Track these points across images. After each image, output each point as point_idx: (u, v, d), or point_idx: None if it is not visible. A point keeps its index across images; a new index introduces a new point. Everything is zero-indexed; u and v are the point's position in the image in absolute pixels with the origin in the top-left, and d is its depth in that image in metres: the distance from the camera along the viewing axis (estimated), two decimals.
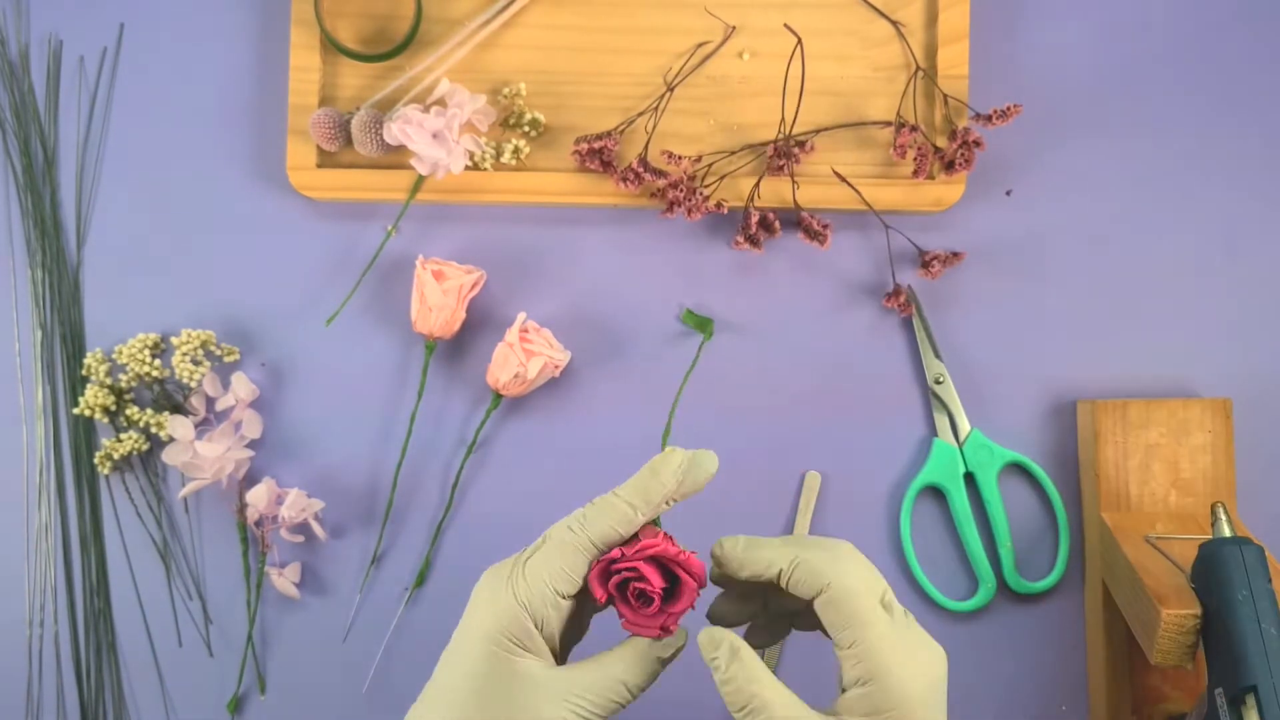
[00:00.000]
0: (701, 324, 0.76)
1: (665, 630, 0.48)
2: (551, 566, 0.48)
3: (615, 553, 0.48)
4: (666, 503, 0.50)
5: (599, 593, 0.48)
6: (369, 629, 0.77)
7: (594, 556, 0.49)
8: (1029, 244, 0.78)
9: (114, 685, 0.77)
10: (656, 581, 0.47)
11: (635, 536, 0.49)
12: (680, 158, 0.74)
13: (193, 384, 0.75)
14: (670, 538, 0.49)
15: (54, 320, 0.78)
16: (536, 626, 0.48)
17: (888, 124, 0.76)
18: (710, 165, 0.76)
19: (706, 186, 0.75)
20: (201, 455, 0.73)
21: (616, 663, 0.49)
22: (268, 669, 0.77)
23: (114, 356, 0.76)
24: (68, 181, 0.79)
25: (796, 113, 0.76)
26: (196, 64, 0.79)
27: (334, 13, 0.77)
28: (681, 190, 0.73)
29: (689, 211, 0.73)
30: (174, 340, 0.76)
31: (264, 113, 0.79)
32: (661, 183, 0.74)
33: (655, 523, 0.52)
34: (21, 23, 0.80)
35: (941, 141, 0.77)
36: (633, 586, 0.48)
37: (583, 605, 0.51)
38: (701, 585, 0.49)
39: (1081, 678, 0.77)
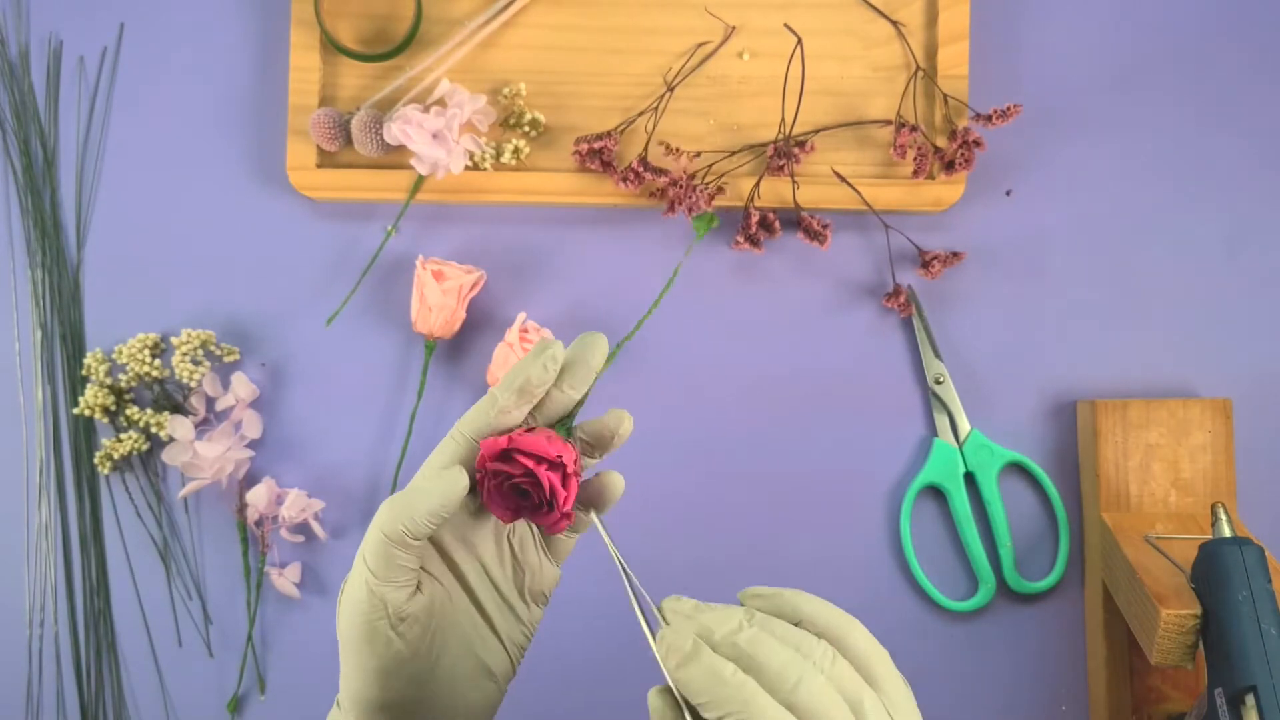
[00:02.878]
0: (708, 219, 0.75)
1: (565, 516, 0.47)
2: (429, 467, 0.47)
3: (479, 476, 0.47)
4: (531, 389, 0.47)
5: (500, 514, 0.47)
6: None
7: (471, 449, 0.47)
8: (1029, 244, 0.78)
9: (114, 685, 0.77)
10: (515, 473, 0.46)
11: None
12: (680, 151, 0.74)
13: (193, 384, 0.75)
14: (551, 436, 0.47)
15: (54, 320, 0.78)
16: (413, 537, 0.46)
17: (887, 123, 0.76)
18: (710, 165, 0.76)
19: (707, 183, 0.74)
20: (201, 455, 0.73)
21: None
22: (268, 669, 0.77)
23: (114, 356, 0.76)
24: (68, 181, 0.79)
25: (797, 113, 0.76)
26: (196, 64, 0.79)
27: (334, 13, 0.77)
28: (681, 187, 0.73)
29: (689, 210, 0.73)
30: (174, 340, 0.76)
31: (264, 113, 0.79)
32: (662, 181, 0.74)
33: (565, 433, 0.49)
34: (21, 23, 0.80)
35: (941, 141, 0.77)
36: (505, 489, 0.47)
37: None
38: (554, 463, 0.46)
39: (1081, 678, 0.77)
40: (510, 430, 0.47)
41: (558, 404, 0.48)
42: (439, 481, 0.46)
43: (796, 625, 0.42)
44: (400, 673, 0.48)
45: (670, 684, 0.41)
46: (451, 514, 0.46)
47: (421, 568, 0.48)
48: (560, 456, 0.46)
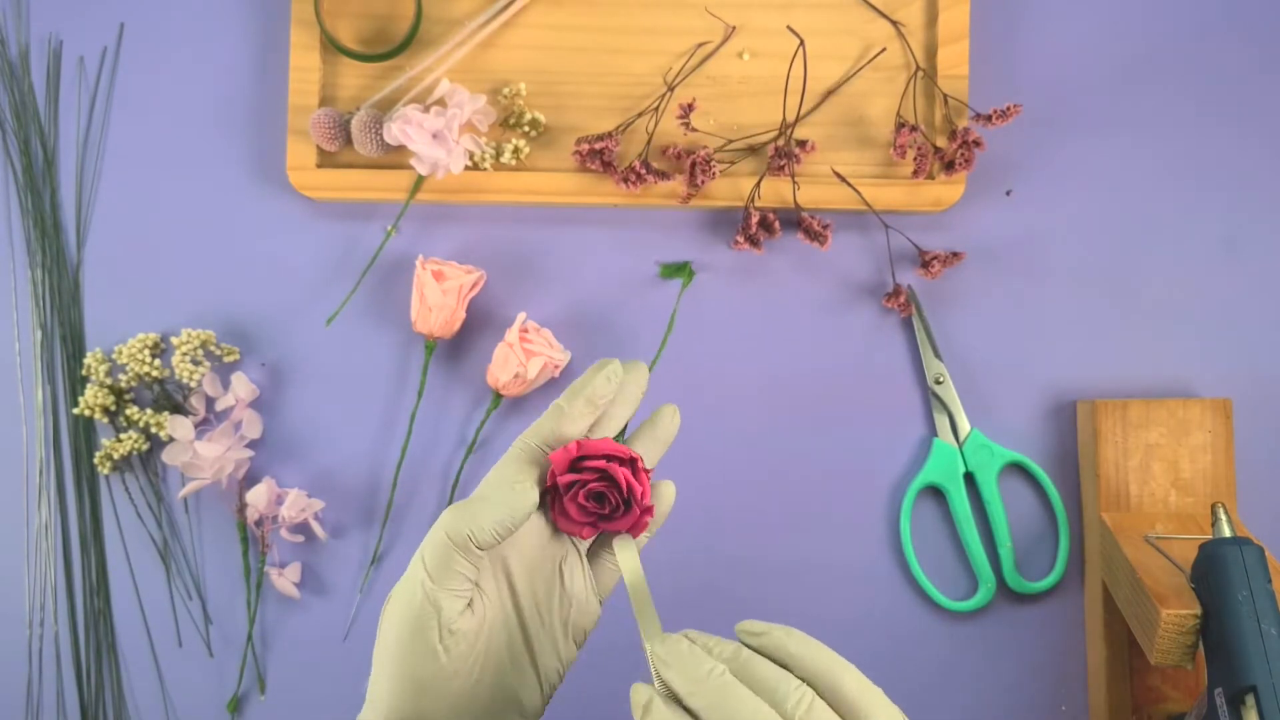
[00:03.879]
0: (678, 269, 0.75)
1: (647, 510, 0.47)
2: (503, 476, 0.47)
3: (549, 483, 0.47)
4: (596, 400, 0.49)
5: (577, 531, 0.47)
6: (369, 629, 0.77)
7: (537, 456, 0.48)
8: (1029, 244, 0.78)
9: (114, 685, 0.77)
10: (588, 478, 0.46)
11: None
12: (690, 123, 0.74)
13: (193, 384, 0.75)
14: (585, 441, 0.48)
15: (54, 320, 0.78)
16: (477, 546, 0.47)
17: (899, 125, 0.76)
18: (719, 149, 0.76)
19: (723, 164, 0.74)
20: (201, 455, 0.73)
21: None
22: (268, 669, 0.77)
23: (114, 356, 0.76)
24: (68, 181, 0.79)
25: (798, 113, 0.76)
26: (196, 64, 0.79)
27: (334, 13, 0.77)
28: (699, 160, 0.73)
29: (700, 183, 0.73)
30: (174, 340, 0.76)
31: (264, 113, 0.79)
32: (683, 160, 0.74)
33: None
34: (21, 23, 0.80)
35: (941, 141, 0.77)
36: (581, 498, 0.47)
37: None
38: (625, 459, 0.47)
39: (1081, 678, 0.77)
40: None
41: (612, 422, 0.50)
42: (509, 494, 0.46)
43: (784, 665, 0.42)
44: (437, 690, 0.47)
45: None
46: (517, 528, 0.46)
47: (477, 584, 0.48)
48: (631, 454, 0.47)
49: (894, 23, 0.77)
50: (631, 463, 0.47)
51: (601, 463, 0.46)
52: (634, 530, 0.48)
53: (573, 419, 0.48)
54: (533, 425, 0.48)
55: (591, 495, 0.47)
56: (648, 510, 0.47)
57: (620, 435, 0.51)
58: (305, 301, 0.78)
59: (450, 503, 0.77)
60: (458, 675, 0.47)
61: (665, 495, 0.51)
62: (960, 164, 0.74)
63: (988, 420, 0.77)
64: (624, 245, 0.78)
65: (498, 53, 0.78)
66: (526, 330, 0.74)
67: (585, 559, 0.52)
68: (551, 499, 0.47)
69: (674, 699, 0.41)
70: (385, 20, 0.78)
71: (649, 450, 0.52)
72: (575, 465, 0.47)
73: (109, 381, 0.76)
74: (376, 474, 0.77)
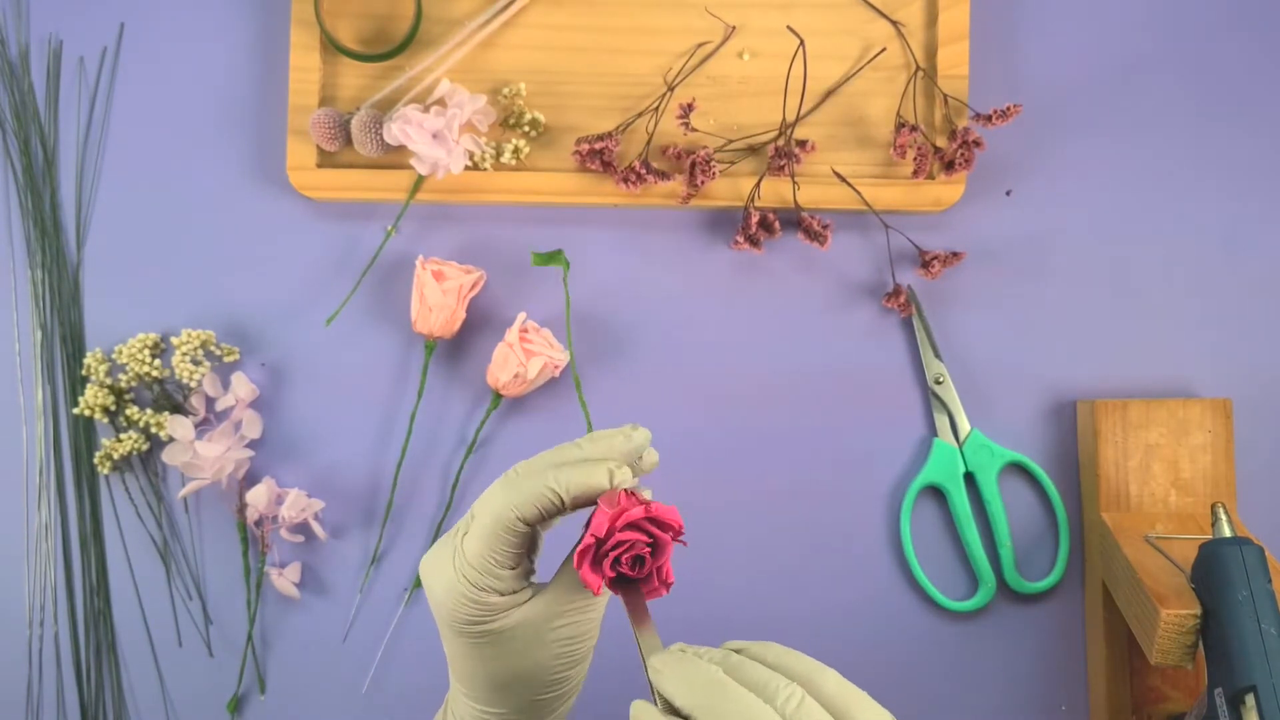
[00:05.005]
0: (551, 258, 0.73)
1: (666, 585, 0.47)
2: (520, 504, 0.48)
3: (589, 539, 0.46)
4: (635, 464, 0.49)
5: (595, 584, 0.47)
6: (369, 629, 0.77)
7: (559, 504, 0.48)
8: (1029, 244, 0.78)
9: (114, 685, 0.77)
10: (642, 541, 0.46)
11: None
12: (690, 123, 0.74)
13: (193, 384, 0.75)
14: (633, 495, 0.47)
15: (54, 320, 0.78)
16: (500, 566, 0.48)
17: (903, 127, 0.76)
18: (719, 148, 0.76)
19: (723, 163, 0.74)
20: (201, 455, 0.73)
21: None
22: (268, 669, 0.77)
23: (114, 356, 0.76)
24: (68, 181, 0.79)
25: (798, 113, 0.76)
26: (196, 64, 0.79)
27: (334, 13, 0.77)
28: (699, 160, 0.73)
29: (700, 183, 0.73)
30: (174, 340, 0.76)
31: (264, 113, 0.79)
32: (680, 164, 0.74)
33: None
34: (21, 23, 0.80)
35: (941, 141, 0.77)
36: (626, 558, 0.47)
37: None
38: (679, 534, 0.47)
39: (1081, 678, 0.77)
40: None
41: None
42: (558, 470, 0.47)
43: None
44: (499, 652, 0.49)
45: None
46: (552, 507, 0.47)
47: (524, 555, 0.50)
48: (682, 527, 0.47)
49: (894, 23, 0.77)
50: (681, 536, 0.48)
51: (657, 530, 0.46)
52: (648, 595, 0.48)
53: (602, 483, 0.48)
54: (577, 480, 0.48)
55: (634, 560, 0.47)
56: (668, 586, 0.48)
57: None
58: (305, 301, 0.78)
59: (450, 503, 0.77)
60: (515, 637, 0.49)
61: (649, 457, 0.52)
62: (960, 164, 0.74)
63: (988, 420, 0.77)
64: (624, 245, 0.78)
65: (498, 53, 0.78)
66: (526, 330, 0.74)
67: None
68: (587, 549, 0.47)
69: (674, 713, 0.42)
70: (385, 20, 0.78)
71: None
72: (634, 524, 0.46)
73: (109, 381, 0.76)
74: (376, 474, 0.77)
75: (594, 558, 0.47)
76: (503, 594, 0.48)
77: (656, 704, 0.43)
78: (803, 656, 0.43)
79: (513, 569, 0.48)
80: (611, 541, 0.46)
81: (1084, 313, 0.78)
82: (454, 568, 0.48)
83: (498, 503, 0.48)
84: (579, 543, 0.47)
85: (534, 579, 0.51)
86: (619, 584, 0.47)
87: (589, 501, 0.48)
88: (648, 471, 0.51)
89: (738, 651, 0.44)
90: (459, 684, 0.51)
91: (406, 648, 0.77)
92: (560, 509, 0.48)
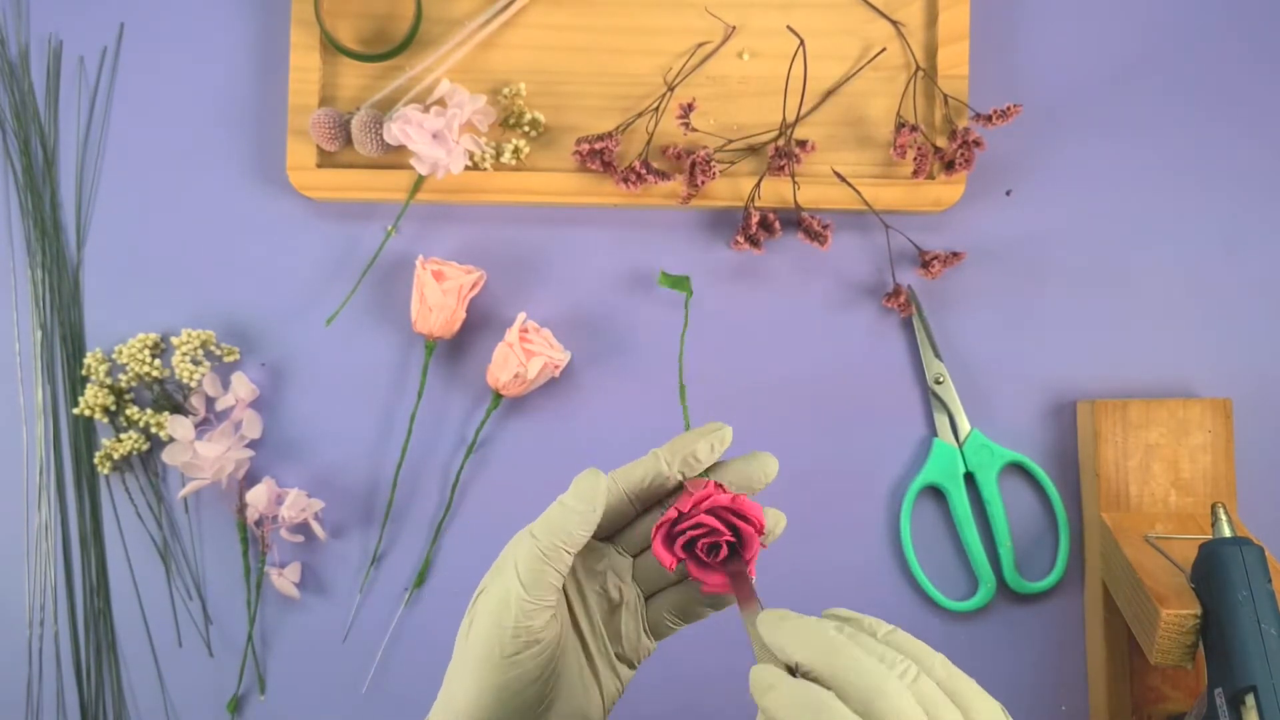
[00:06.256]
0: (678, 282, 0.74)
1: (743, 578, 0.47)
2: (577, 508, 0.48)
3: (671, 513, 0.46)
4: (693, 460, 0.49)
5: (668, 560, 0.46)
6: (369, 629, 0.77)
7: (615, 498, 0.48)
8: (1029, 244, 0.78)
9: (114, 685, 0.77)
10: (724, 530, 0.46)
11: (679, 491, 0.49)
12: (690, 123, 0.74)
13: (193, 384, 0.75)
14: (721, 486, 0.47)
15: (54, 320, 0.78)
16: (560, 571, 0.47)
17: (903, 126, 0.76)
18: (719, 148, 0.76)
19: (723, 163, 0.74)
20: (201, 455, 0.73)
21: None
22: (268, 669, 0.77)
23: (114, 356, 0.76)
24: (68, 181, 0.79)
25: (798, 113, 0.76)
26: (196, 64, 0.79)
27: (334, 13, 0.77)
28: (699, 160, 0.73)
29: (700, 183, 0.73)
30: (174, 340, 0.76)
31: (264, 113, 0.79)
32: (679, 164, 0.74)
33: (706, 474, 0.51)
34: (21, 23, 0.80)
35: (941, 141, 0.77)
36: (701, 543, 0.46)
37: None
38: (760, 530, 0.47)
39: (1081, 678, 0.77)
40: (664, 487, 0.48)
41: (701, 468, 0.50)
42: (586, 493, 0.47)
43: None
44: (516, 697, 0.47)
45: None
46: (595, 525, 0.47)
47: (561, 590, 0.49)
48: (763, 523, 0.47)
49: (894, 23, 0.77)
50: (761, 535, 0.47)
51: (742, 525, 0.46)
52: (705, 589, 0.48)
53: (669, 477, 0.49)
54: (625, 469, 0.49)
55: (710, 547, 0.47)
56: (724, 586, 0.47)
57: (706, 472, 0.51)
58: (305, 301, 0.78)
59: (450, 503, 0.77)
60: (535, 682, 0.47)
61: (766, 465, 0.51)
62: (960, 164, 0.74)
63: (988, 420, 0.77)
64: (624, 245, 0.78)
65: (498, 53, 0.78)
66: (526, 330, 0.74)
67: (642, 598, 0.52)
68: (664, 523, 0.47)
69: (790, 672, 0.41)
70: (385, 20, 0.78)
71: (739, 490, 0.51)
72: (717, 510, 0.46)
73: (109, 381, 0.76)
74: (376, 474, 0.77)
75: (668, 534, 0.47)
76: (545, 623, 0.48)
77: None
78: (910, 637, 0.42)
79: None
80: (690, 521, 0.46)
81: (1084, 313, 0.78)
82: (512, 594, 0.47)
83: (554, 519, 0.48)
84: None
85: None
86: (695, 566, 0.47)
87: (652, 497, 0.48)
88: (760, 486, 0.50)
89: (846, 619, 0.43)
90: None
91: (406, 648, 0.77)
92: (627, 507, 0.48)
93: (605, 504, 0.47)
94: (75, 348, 0.78)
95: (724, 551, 0.47)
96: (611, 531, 0.51)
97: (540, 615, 0.47)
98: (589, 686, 0.50)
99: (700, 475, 0.50)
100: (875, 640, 0.41)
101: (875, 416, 0.77)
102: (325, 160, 0.77)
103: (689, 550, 0.47)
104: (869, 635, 0.41)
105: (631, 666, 0.52)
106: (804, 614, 0.43)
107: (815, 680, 0.40)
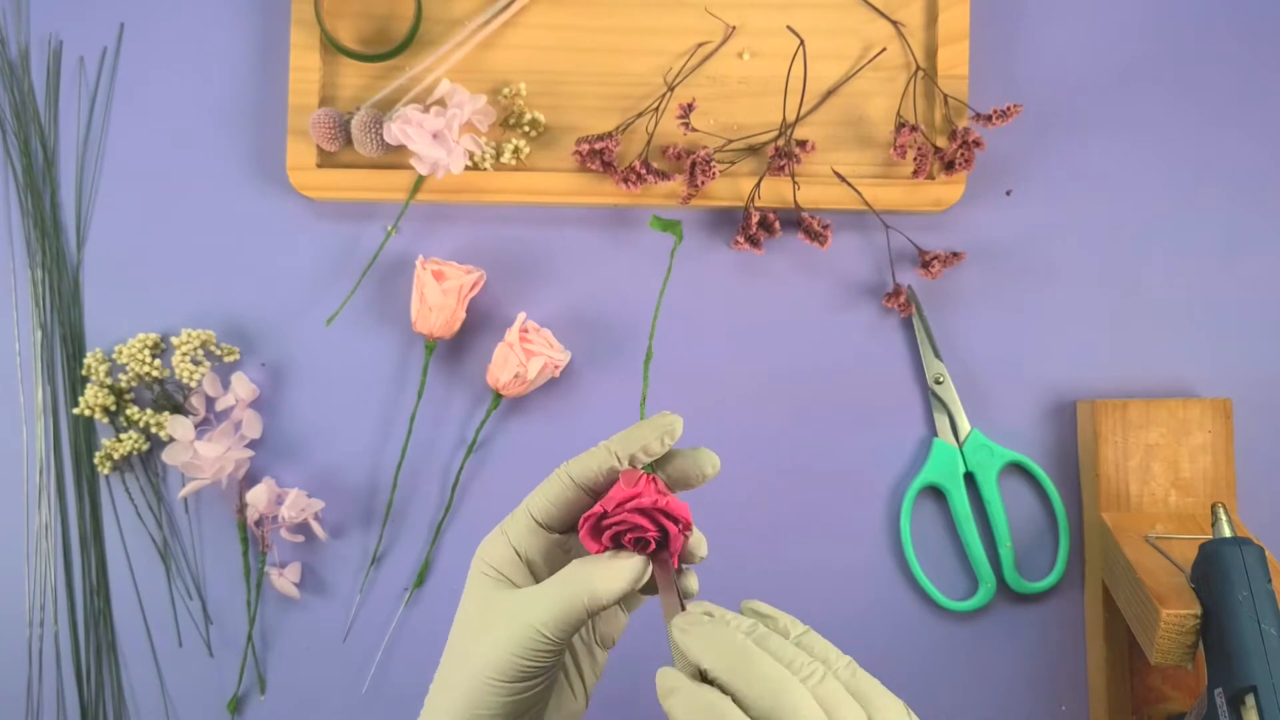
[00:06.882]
0: (669, 225, 0.74)
1: (666, 573, 0.48)
2: (532, 498, 0.50)
3: (598, 508, 0.48)
4: (644, 454, 0.49)
5: (593, 546, 0.48)
6: (369, 629, 0.77)
7: (572, 490, 0.49)
8: (1029, 244, 0.78)
9: (114, 685, 0.77)
10: (650, 528, 0.47)
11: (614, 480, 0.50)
12: (690, 123, 0.74)
13: (193, 384, 0.75)
14: (654, 479, 0.49)
15: (54, 320, 0.78)
16: (519, 555, 0.49)
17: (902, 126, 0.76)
18: (719, 148, 0.76)
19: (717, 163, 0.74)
20: (201, 455, 0.73)
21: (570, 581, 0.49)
22: (268, 669, 0.77)
23: (114, 356, 0.76)
24: (68, 181, 0.79)
25: (798, 113, 0.76)
26: (196, 64, 0.79)
27: (334, 13, 0.77)
28: (699, 160, 0.73)
29: (700, 183, 0.73)
30: (174, 340, 0.76)
31: (264, 113, 0.79)
32: (681, 163, 0.74)
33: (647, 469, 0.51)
34: (21, 23, 0.80)
35: (941, 141, 0.77)
36: (628, 537, 0.47)
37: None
38: (686, 529, 0.48)
39: (1081, 678, 0.77)
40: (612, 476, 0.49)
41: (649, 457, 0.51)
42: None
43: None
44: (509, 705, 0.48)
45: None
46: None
47: None
48: (690, 522, 0.48)
49: (894, 23, 0.77)
50: (688, 530, 0.49)
51: (669, 524, 0.48)
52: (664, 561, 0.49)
53: (616, 468, 0.49)
54: (578, 459, 0.50)
55: (635, 541, 0.48)
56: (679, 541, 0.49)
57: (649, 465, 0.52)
58: (305, 301, 0.78)
59: (450, 503, 0.77)
60: (527, 691, 0.48)
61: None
62: (960, 164, 0.74)
63: (988, 420, 0.77)
64: (624, 245, 0.78)
65: (498, 53, 0.78)
66: (526, 330, 0.74)
67: None
68: (590, 517, 0.48)
69: (699, 677, 0.42)
70: (385, 20, 0.78)
71: (676, 484, 0.52)
72: (645, 511, 0.48)
73: (109, 381, 0.76)
74: (376, 474, 0.77)
75: (594, 526, 0.48)
76: (523, 555, 0.49)
77: (677, 665, 0.43)
78: (821, 638, 0.43)
79: (541, 525, 0.49)
80: (616, 518, 0.47)
81: (1084, 313, 0.78)
82: (500, 524, 0.49)
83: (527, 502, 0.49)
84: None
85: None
86: (652, 556, 0.48)
87: (605, 487, 0.49)
88: (698, 483, 0.51)
89: (766, 616, 0.44)
90: None
91: (406, 648, 0.77)
92: (583, 498, 0.49)
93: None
94: (75, 348, 0.78)
95: (651, 547, 0.48)
96: (570, 524, 0.51)
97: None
98: (574, 682, 0.51)
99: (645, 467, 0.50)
100: (786, 642, 0.42)
101: (875, 416, 0.78)
102: (325, 160, 0.77)
103: (616, 542, 0.48)
104: (781, 636, 0.43)
105: (607, 648, 0.53)
106: (726, 609, 0.44)
107: (720, 685, 0.41)
